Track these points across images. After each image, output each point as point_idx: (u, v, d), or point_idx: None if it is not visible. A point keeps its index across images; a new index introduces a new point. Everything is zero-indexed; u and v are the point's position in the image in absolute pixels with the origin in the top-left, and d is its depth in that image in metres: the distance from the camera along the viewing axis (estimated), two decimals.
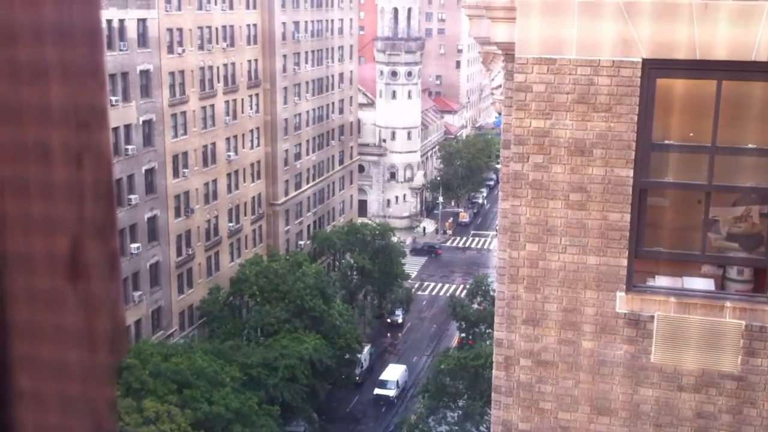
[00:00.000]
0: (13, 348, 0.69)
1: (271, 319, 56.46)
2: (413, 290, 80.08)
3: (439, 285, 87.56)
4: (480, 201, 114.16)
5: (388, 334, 75.88)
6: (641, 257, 8.04)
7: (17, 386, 0.70)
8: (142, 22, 56.58)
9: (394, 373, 65.54)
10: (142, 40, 56.76)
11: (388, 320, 77.19)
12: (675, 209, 8.71)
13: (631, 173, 7.69)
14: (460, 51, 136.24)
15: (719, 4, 7.22)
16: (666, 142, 8.01)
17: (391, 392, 63.42)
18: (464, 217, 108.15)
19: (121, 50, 53.73)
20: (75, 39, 0.73)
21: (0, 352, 0.69)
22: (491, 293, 61.65)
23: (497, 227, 10.58)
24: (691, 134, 8.13)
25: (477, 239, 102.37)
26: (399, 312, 77.43)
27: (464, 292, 75.23)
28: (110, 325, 0.78)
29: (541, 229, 7.98)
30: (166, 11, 59.44)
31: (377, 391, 63.37)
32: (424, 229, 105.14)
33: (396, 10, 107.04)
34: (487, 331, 59.10)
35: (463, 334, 67.25)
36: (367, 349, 65.84)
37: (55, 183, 0.71)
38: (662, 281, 8.21)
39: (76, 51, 0.73)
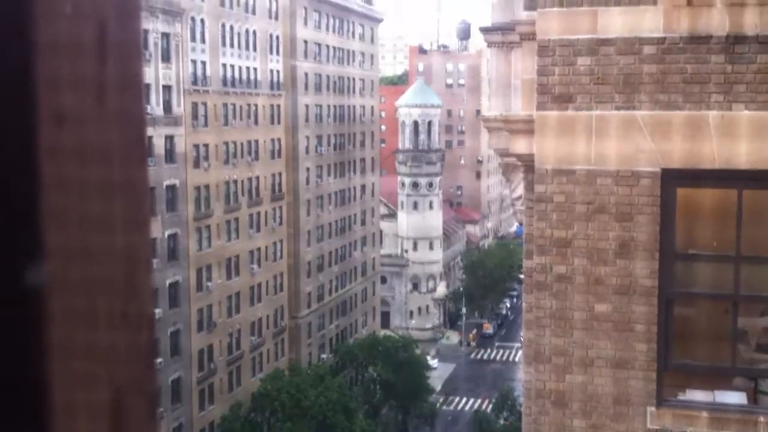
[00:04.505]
0: None
1: None
2: (438, 404, 78.32)
3: (464, 399, 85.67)
4: (504, 312, 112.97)
5: None
6: (670, 370, 7.82)
7: None
8: (169, 139, 58.10)
9: None
10: (169, 156, 58.13)
11: None
12: (703, 320, 8.53)
13: (656, 283, 7.57)
14: (480, 162, 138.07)
15: (736, 115, 7.28)
16: (690, 251, 7.92)
17: None
18: (488, 328, 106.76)
19: (149, 166, 54.91)
20: (124, 194, 0.78)
21: None
22: (518, 408, 60.17)
23: (522, 339, 10.40)
24: (715, 243, 8.05)
25: (502, 351, 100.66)
26: None
27: (490, 406, 73.51)
28: None
29: (567, 342, 7.82)
30: (193, 128, 61.09)
31: None
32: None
33: (416, 124, 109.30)
34: None
35: None
36: None
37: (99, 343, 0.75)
38: (694, 395, 7.96)
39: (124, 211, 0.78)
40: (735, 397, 7.90)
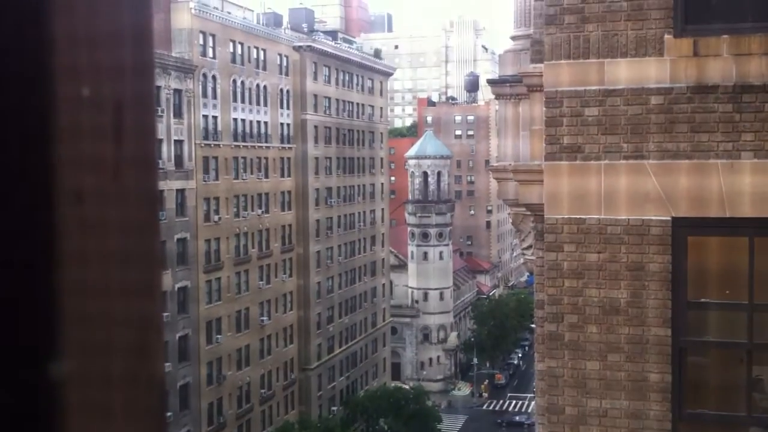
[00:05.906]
0: None
1: None
2: None
3: None
4: (515, 362, 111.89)
5: None
6: (685, 420, 7.74)
7: None
8: (180, 192, 58.48)
9: None
10: (180, 209, 58.46)
11: None
12: (717, 369, 8.46)
13: (669, 332, 7.54)
14: (489, 212, 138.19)
15: (745, 163, 7.33)
16: (702, 300, 7.90)
17: None
18: (500, 378, 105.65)
19: (160, 220, 55.14)
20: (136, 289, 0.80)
21: None
22: None
23: (535, 389, 10.31)
24: (727, 292, 8.02)
25: (514, 402, 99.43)
26: None
27: None
28: None
29: (580, 392, 7.76)
30: (204, 181, 61.53)
31: None
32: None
33: (426, 174, 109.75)
34: None
35: None
36: None
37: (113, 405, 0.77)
38: None
39: (136, 302, 0.80)
40: None
